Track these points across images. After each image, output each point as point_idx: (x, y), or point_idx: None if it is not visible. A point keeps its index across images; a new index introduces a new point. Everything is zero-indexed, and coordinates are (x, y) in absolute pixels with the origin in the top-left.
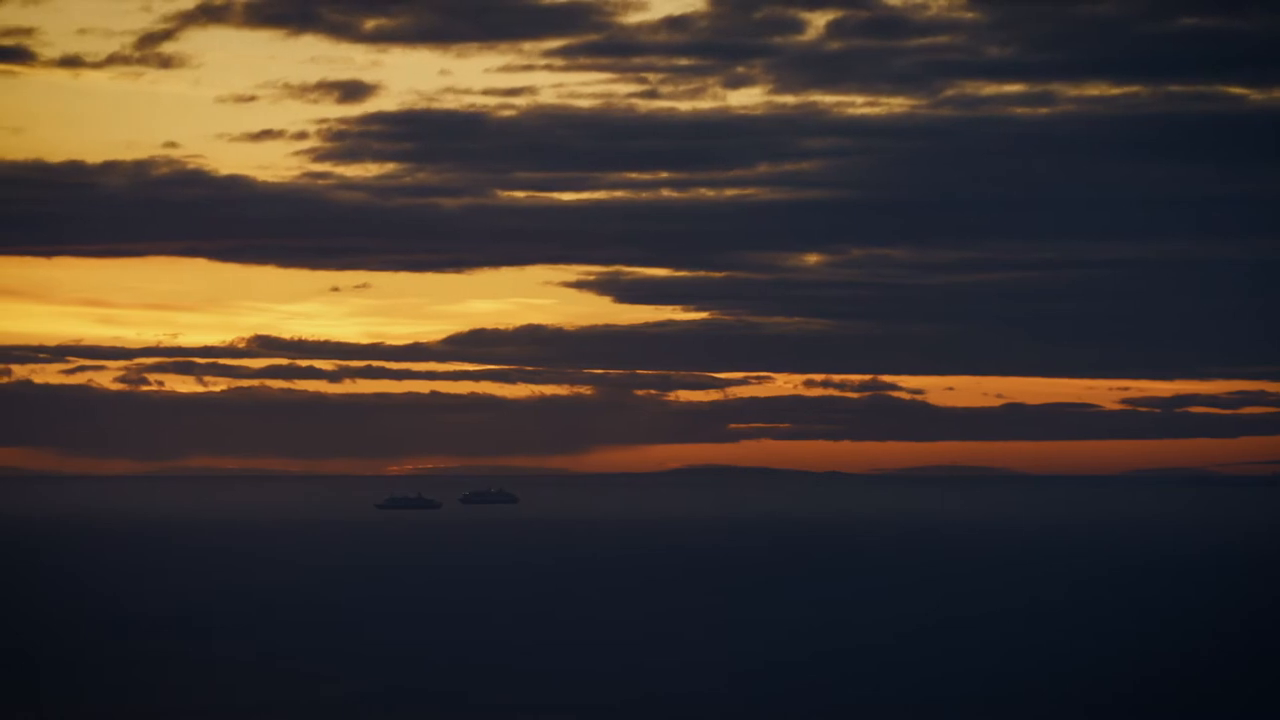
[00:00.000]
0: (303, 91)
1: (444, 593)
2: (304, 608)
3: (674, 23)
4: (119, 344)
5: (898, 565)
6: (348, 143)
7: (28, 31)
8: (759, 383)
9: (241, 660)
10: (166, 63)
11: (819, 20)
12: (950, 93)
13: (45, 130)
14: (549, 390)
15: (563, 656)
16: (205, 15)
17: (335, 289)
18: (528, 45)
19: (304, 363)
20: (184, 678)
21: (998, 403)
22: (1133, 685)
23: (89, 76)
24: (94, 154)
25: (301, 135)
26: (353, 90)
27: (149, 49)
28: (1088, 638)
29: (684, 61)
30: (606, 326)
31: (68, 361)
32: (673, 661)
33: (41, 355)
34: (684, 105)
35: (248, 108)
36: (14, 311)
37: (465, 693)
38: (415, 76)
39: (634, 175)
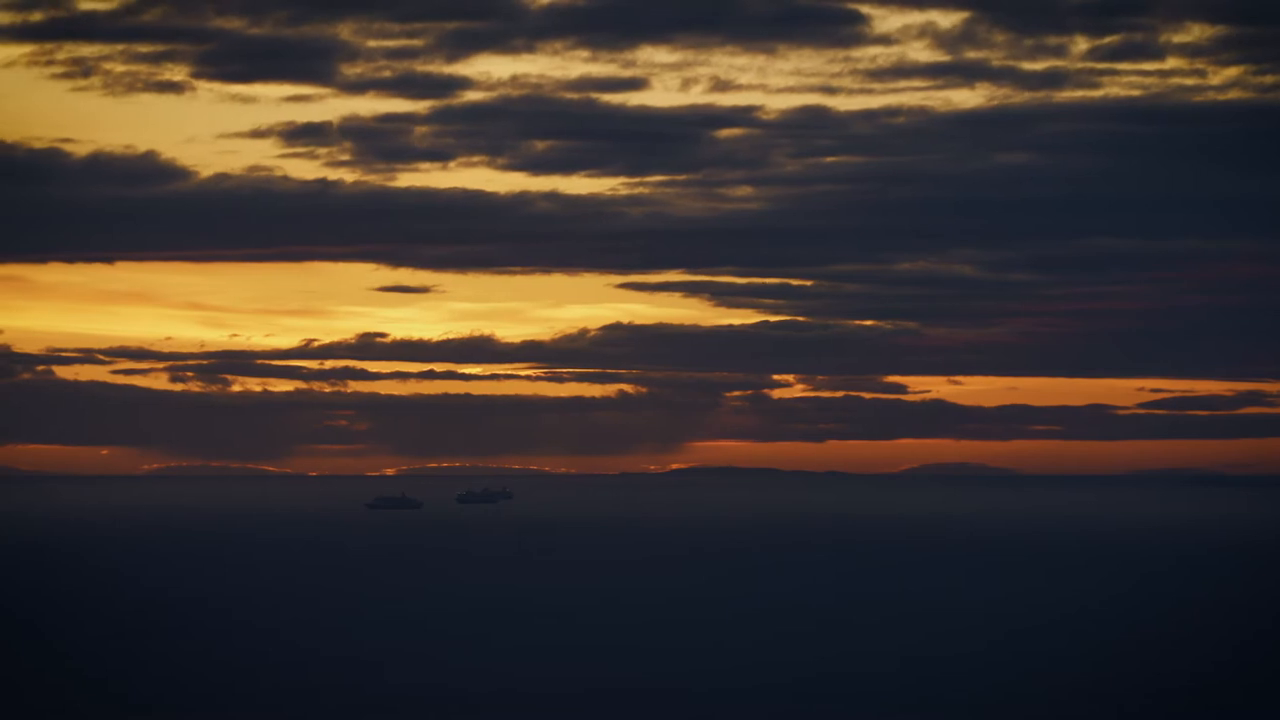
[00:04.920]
0: (554, 111)
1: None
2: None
3: (925, 41)
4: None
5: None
6: (572, 156)
7: (324, 53)
8: (840, 386)
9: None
10: (444, 86)
11: (1076, 42)
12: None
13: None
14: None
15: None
16: (485, 40)
17: (441, 290)
18: (777, 62)
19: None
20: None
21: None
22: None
23: (361, 101)
24: (330, 172)
25: (531, 149)
26: (597, 111)
27: (427, 68)
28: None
29: (907, 83)
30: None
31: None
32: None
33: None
34: (892, 119)
35: (499, 126)
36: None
37: None
38: (657, 96)
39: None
